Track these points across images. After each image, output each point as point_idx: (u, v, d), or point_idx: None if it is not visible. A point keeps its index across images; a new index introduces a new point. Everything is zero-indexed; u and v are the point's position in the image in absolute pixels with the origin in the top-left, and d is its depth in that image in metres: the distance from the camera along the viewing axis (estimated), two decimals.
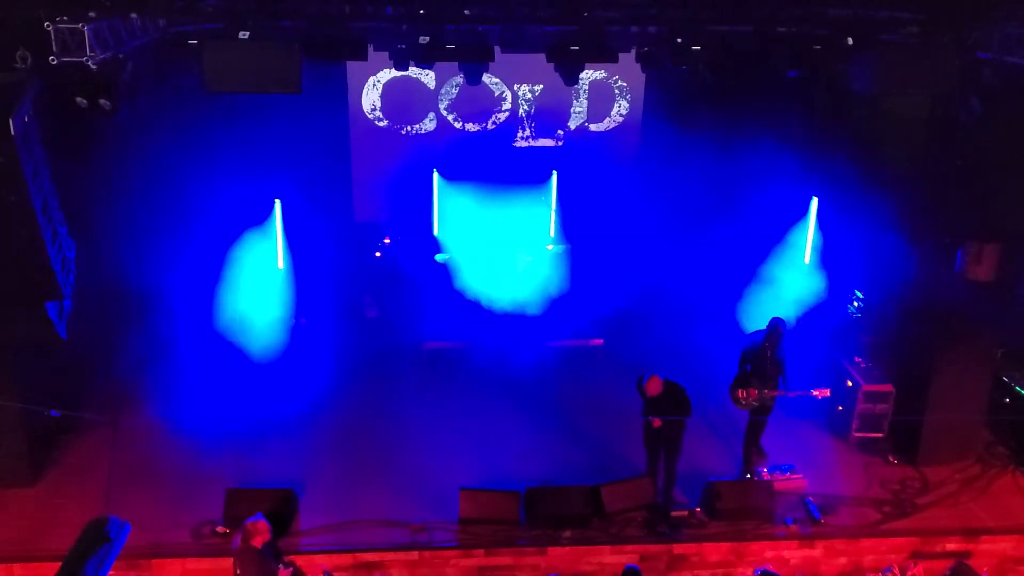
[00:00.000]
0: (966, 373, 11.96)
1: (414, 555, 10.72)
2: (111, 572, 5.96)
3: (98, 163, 12.97)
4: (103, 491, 10.72)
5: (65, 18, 8.64)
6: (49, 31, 8.61)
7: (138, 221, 14.40)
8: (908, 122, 12.63)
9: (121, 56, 9.51)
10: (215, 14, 10.26)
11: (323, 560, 10.28)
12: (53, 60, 8.69)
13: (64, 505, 11.07)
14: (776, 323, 11.74)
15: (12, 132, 8.65)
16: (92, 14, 8.88)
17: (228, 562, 10.25)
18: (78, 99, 9.38)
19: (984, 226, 11.20)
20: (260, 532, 9.03)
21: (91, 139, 12.12)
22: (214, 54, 9.69)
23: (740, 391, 11.76)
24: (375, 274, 16.24)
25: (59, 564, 5.88)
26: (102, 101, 9.46)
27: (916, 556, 10.99)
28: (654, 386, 10.94)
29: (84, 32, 8.63)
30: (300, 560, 9.80)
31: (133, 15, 9.64)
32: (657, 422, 11.06)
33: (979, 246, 11.09)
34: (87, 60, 8.72)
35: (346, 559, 10.60)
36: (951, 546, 11.14)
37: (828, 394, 11.82)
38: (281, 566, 9.23)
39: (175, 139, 14.13)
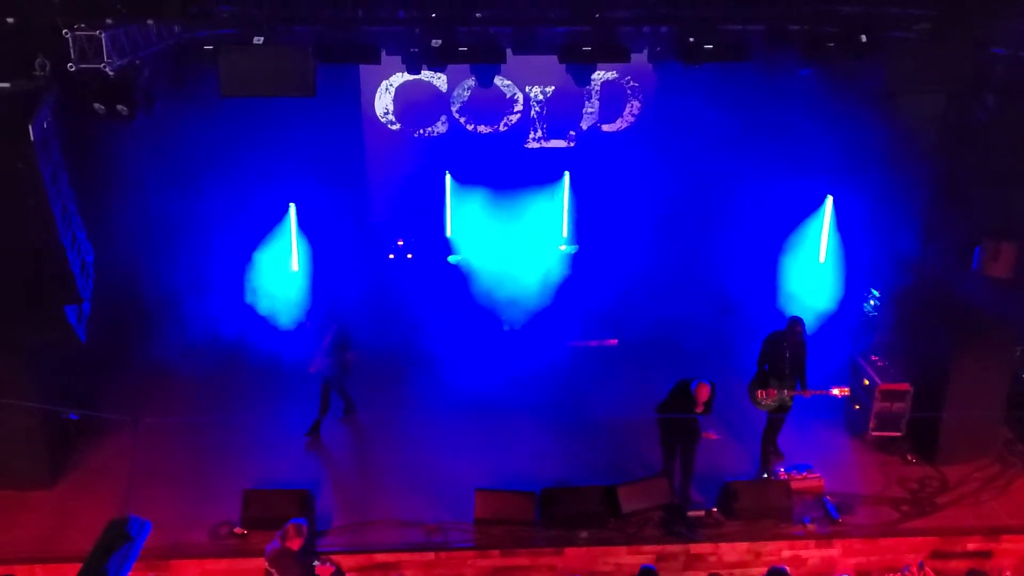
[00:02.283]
0: (984, 371, 11.90)
1: (430, 556, 10.75)
2: (131, 572, 6.01)
3: (116, 168, 13.07)
4: (122, 492, 10.76)
5: (83, 25, 8.76)
6: (67, 38, 8.71)
7: (155, 224, 14.50)
8: (923, 119, 12.58)
9: (138, 62, 9.62)
10: (230, 20, 10.35)
11: (340, 560, 10.30)
12: (71, 67, 8.81)
13: (84, 506, 11.15)
14: (794, 322, 11.73)
15: (32, 138, 8.77)
16: (109, 21, 8.99)
17: (246, 563, 10.40)
18: (96, 105, 9.49)
19: (1001, 223, 11.13)
20: (302, 535, 9.19)
21: (109, 144, 12.21)
22: (229, 59, 9.78)
23: (759, 391, 11.75)
24: (389, 275, 16.28)
25: (80, 564, 5.93)
26: (119, 107, 9.57)
27: (936, 556, 10.97)
28: (704, 392, 10.89)
29: (101, 39, 8.74)
30: None
31: (149, 22, 9.74)
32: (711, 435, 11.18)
33: (996, 243, 11.01)
34: (105, 66, 8.83)
35: (362, 559, 10.64)
36: (972, 546, 11.09)
37: (848, 392, 11.80)
38: (318, 563, 9.34)
39: (191, 143, 14.22)
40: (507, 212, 16.64)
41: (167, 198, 14.42)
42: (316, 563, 9.42)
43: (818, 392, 11.75)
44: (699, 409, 10.90)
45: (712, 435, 11.14)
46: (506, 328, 15.34)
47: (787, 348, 11.66)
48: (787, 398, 11.74)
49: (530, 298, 15.75)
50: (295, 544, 9.16)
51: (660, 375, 12.27)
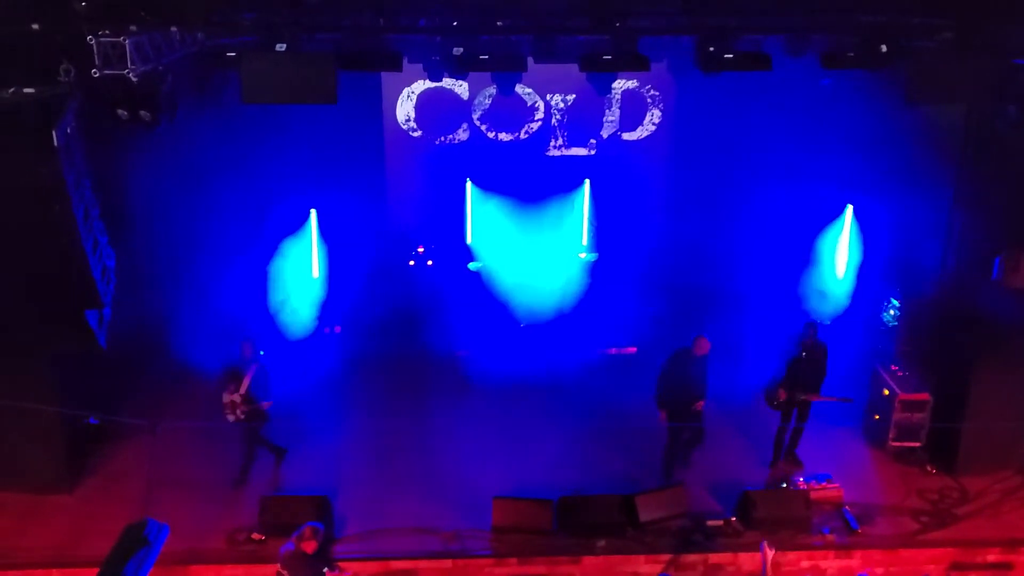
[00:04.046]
0: (1005, 382, 11.82)
1: (447, 563, 10.76)
2: None
3: (138, 174, 13.15)
4: (140, 497, 10.85)
5: (107, 32, 8.83)
6: (92, 45, 8.79)
7: (176, 230, 14.58)
8: (945, 129, 12.52)
9: (161, 68, 9.70)
10: (252, 27, 10.40)
11: (356, 567, 10.33)
12: (95, 73, 8.88)
13: (102, 511, 11.20)
14: (805, 327, 11.76)
15: (56, 144, 8.86)
16: (133, 28, 9.06)
17: (263, 569, 10.41)
18: (119, 111, 9.57)
19: (1021, 234, 11.07)
20: (317, 538, 9.22)
21: (132, 150, 12.31)
22: (251, 66, 9.85)
23: (780, 391, 11.88)
24: (409, 282, 16.32)
25: (98, 569, 5.97)
26: (142, 113, 9.66)
27: (955, 567, 10.90)
28: (705, 345, 11.58)
29: (125, 45, 8.82)
30: None
31: (173, 28, 9.81)
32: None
33: (1016, 254, 10.96)
34: (128, 73, 8.91)
35: (379, 566, 10.67)
36: (991, 557, 11.02)
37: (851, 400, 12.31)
38: (327, 569, 9.36)
39: (213, 149, 14.30)
40: (527, 220, 16.65)
41: (189, 204, 14.51)
42: (326, 570, 9.42)
43: (828, 399, 11.98)
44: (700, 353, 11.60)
45: None
46: (522, 324, 15.34)
47: (803, 351, 11.73)
48: (800, 402, 11.91)
49: (550, 306, 15.73)
50: (310, 547, 9.17)
51: None
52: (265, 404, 11.87)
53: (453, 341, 15.03)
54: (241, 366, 11.87)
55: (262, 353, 12.20)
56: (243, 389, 11.68)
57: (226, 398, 11.70)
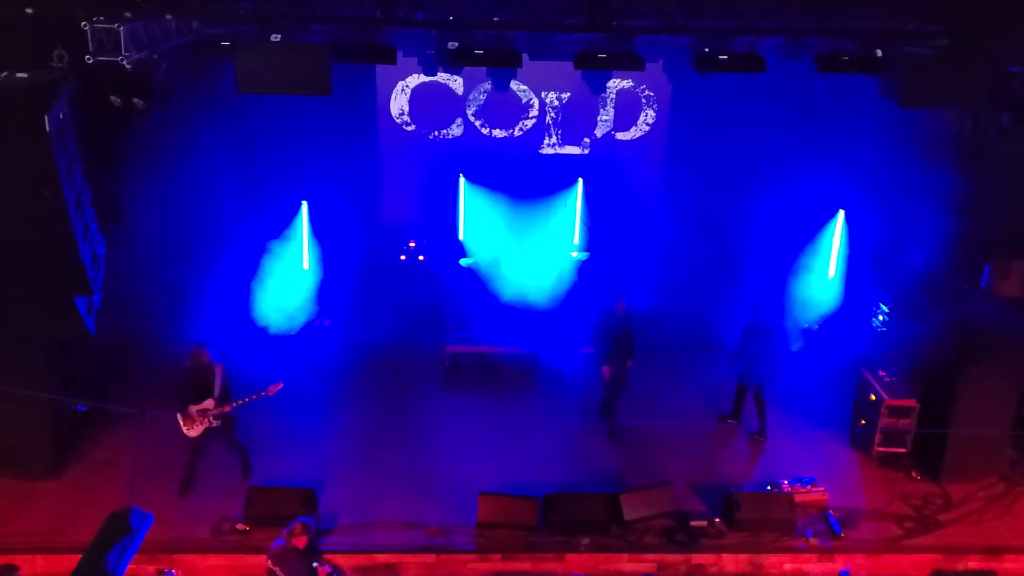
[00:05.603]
0: (992, 389, 11.83)
1: (431, 558, 10.75)
2: (131, 565, 6.01)
3: (131, 161, 13.13)
4: (127, 485, 10.82)
5: (101, 18, 8.84)
6: (86, 31, 8.78)
7: (169, 218, 14.55)
8: (938, 134, 12.57)
9: (155, 56, 9.70)
10: (248, 17, 10.41)
11: (341, 560, 10.32)
12: (89, 59, 8.86)
13: (88, 498, 11.16)
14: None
15: (47, 129, 8.85)
16: (128, 15, 9.05)
17: (247, 559, 10.40)
18: (112, 98, 9.58)
19: (1012, 242, 11.12)
20: (308, 533, 9.19)
21: (124, 137, 12.29)
22: (246, 56, 9.85)
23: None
24: (400, 276, 16.31)
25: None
26: (136, 100, 9.68)
27: (938, 573, 10.93)
28: (620, 308, 12.83)
29: (120, 32, 8.81)
30: None
31: (168, 16, 9.80)
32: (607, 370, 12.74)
33: (1006, 262, 11.01)
34: (122, 60, 8.90)
35: (363, 559, 10.65)
36: (973, 564, 11.04)
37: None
38: (317, 564, 9.36)
39: (206, 139, 14.27)
40: (520, 217, 16.68)
41: (181, 193, 14.47)
42: (316, 564, 9.42)
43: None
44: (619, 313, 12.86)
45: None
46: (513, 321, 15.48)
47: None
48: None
49: (540, 303, 15.74)
50: (300, 542, 9.14)
51: (667, 382, 12.33)
52: (274, 387, 11.18)
53: (442, 336, 15.02)
54: (199, 373, 11.17)
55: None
56: (217, 393, 11.14)
57: (192, 410, 11.04)
